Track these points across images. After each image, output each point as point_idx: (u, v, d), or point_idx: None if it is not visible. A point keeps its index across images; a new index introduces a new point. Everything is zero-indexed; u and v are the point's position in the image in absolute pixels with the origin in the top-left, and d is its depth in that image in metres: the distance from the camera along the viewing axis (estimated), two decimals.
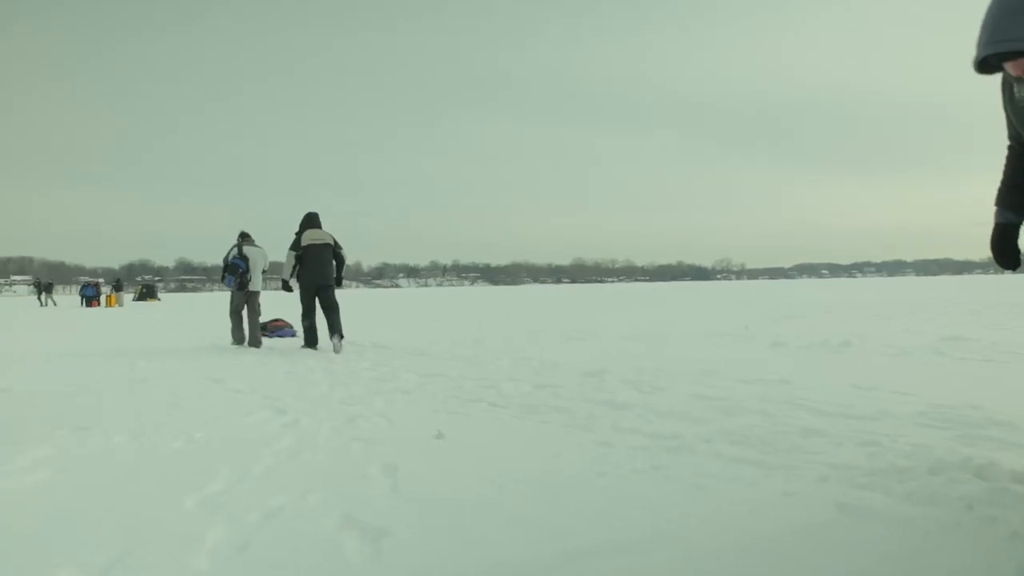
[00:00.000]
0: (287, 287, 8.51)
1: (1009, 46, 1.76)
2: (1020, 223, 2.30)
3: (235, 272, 8.85)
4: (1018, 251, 2.31)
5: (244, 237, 9.16)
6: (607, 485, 2.52)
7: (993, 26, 1.79)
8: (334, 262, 8.39)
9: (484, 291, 69.34)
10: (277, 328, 10.64)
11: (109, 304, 33.13)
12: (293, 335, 10.43)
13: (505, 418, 3.86)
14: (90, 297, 33.13)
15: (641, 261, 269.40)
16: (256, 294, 9.00)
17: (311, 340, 8.37)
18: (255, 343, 8.85)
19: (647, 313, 15.05)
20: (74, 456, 3.13)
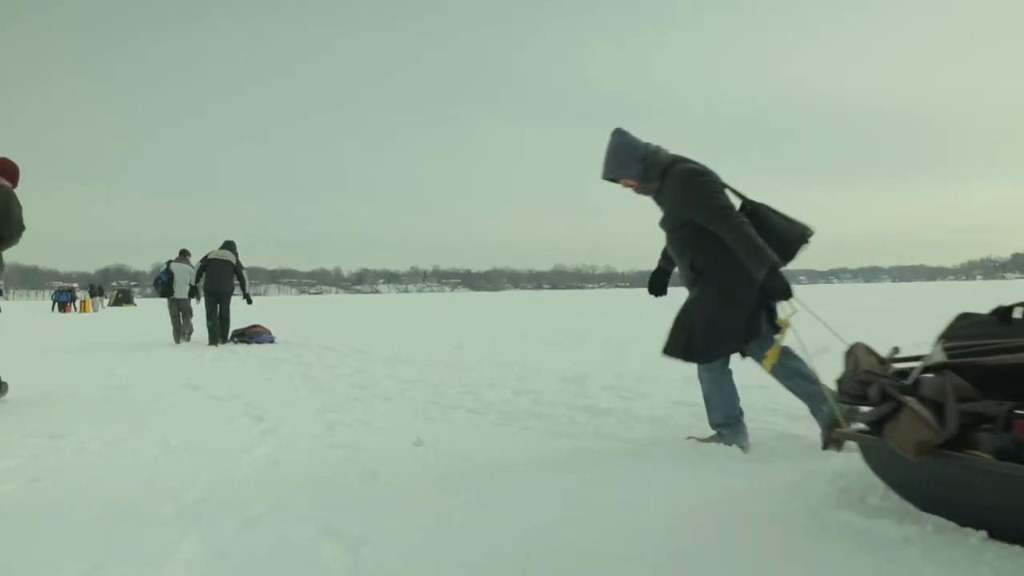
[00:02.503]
0: (194, 292, 10.93)
1: (607, 177, 3.34)
2: (670, 270, 3.60)
3: (157, 284, 11.25)
4: (664, 287, 3.68)
5: (182, 254, 11.55)
6: (587, 491, 2.52)
7: (604, 165, 3.31)
8: (233, 276, 10.48)
9: (465, 297, 69.27)
10: (255, 334, 10.62)
11: (83, 310, 32.67)
12: (272, 341, 10.41)
13: (485, 425, 3.85)
14: (63, 302, 32.67)
15: (621, 267, 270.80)
16: (185, 300, 11.16)
17: (213, 338, 10.20)
18: (185, 338, 11.09)
19: (628, 318, 15.10)
20: (47, 465, 3.08)
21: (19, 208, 4.75)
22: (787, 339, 3.01)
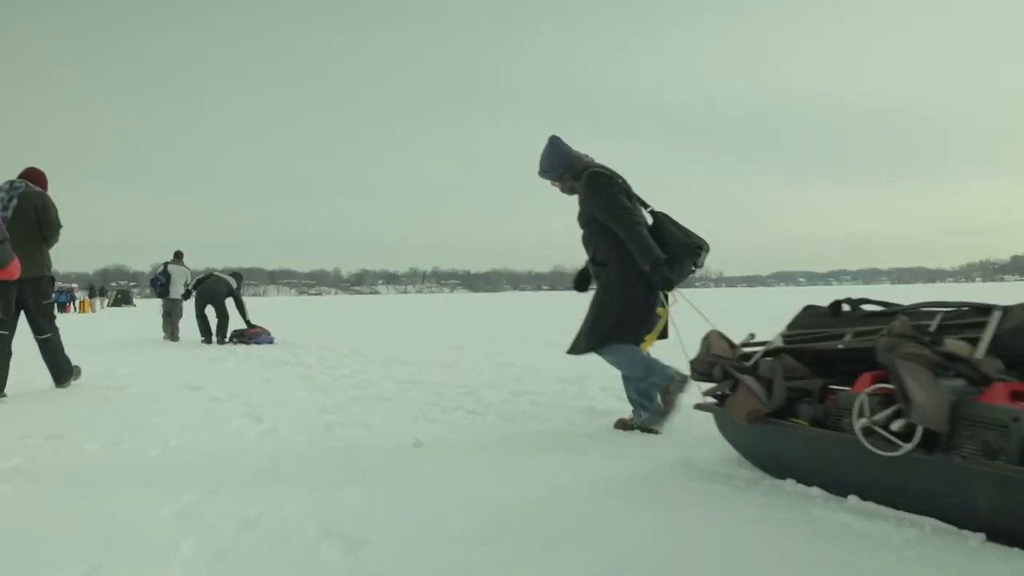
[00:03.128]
0: (187, 295, 11.56)
1: (539, 175, 3.85)
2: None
3: (155, 285, 11.85)
4: (588, 282, 3.94)
5: (177, 256, 12.06)
6: (584, 493, 2.52)
7: (539, 163, 3.83)
8: (227, 290, 10.91)
9: (464, 297, 69.25)
10: (255, 334, 10.62)
11: (82, 310, 32.63)
12: (271, 341, 10.42)
13: (484, 426, 3.85)
14: (63, 303, 32.65)
15: None
16: (178, 300, 11.77)
17: (204, 334, 10.83)
18: (174, 337, 11.55)
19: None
20: (44, 466, 3.08)
21: (55, 210, 5.38)
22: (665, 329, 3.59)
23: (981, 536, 1.95)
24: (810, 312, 2.95)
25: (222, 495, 2.57)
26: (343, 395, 5.08)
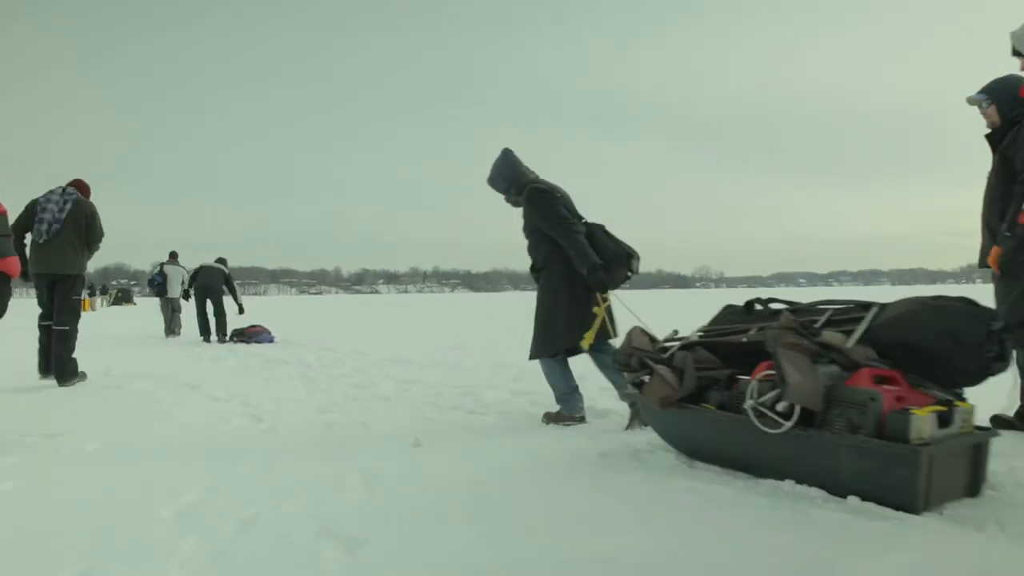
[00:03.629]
0: (185, 294, 11.84)
1: (489, 184, 4.13)
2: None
3: (153, 285, 12.47)
4: None
5: (171, 256, 12.66)
6: (583, 491, 2.52)
7: (490, 173, 4.10)
8: (222, 281, 11.22)
9: (465, 297, 69.23)
10: (254, 333, 10.69)
11: (83, 308, 32.64)
12: (271, 341, 10.44)
13: (483, 425, 3.85)
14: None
15: None
16: (176, 299, 12.35)
17: (204, 333, 11.02)
18: (175, 333, 12.29)
19: (628, 320, 15.09)
20: (44, 464, 3.08)
21: (100, 220, 5.95)
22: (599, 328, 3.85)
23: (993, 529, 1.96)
24: (728, 310, 3.31)
25: (221, 494, 2.57)
26: (343, 395, 5.08)
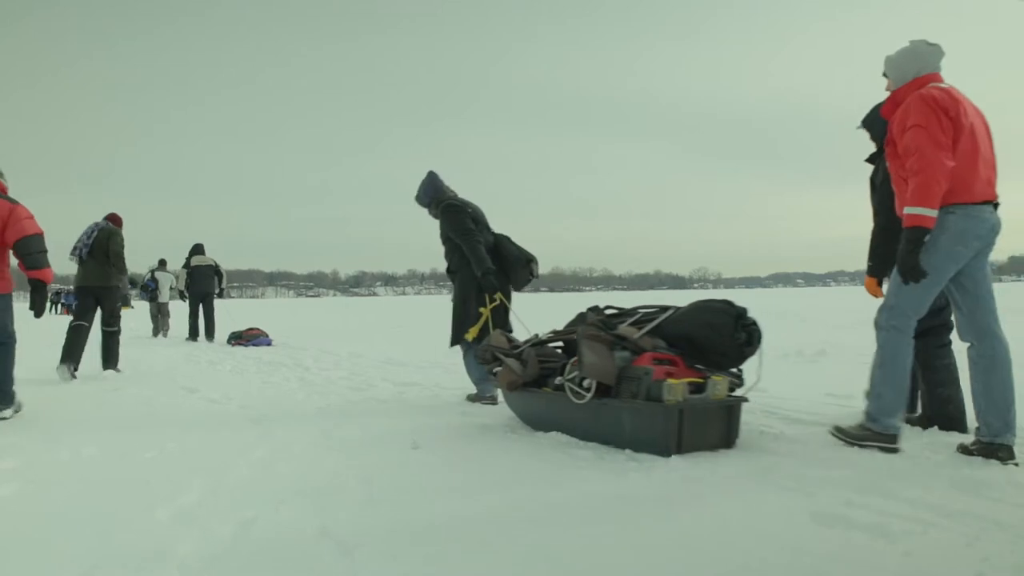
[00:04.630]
0: (182, 296, 12.17)
1: (416, 201, 4.91)
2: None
3: (146, 290, 13.55)
4: None
5: (161, 263, 13.79)
6: (581, 492, 2.52)
7: (417, 191, 4.89)
8: (215, 278, 11.90)
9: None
10: (253, 336, 10.71)
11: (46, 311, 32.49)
12: (269, 343, 10.45)
13: (482, 427, 3.85)
14: (69, 305, 32.50)
15: (619, 270, 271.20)
16: (165, 304, 13.56)
17: (193, 333, 11.68)
18: (164, 334, 13.18)
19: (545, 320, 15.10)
20: (42, 468, 3.07)
21: (118, 243, 7.09)
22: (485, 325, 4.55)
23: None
24: (579, 316, 3.96)
25: (219, 497, 2.57)
26: (340, 397, 5.08)
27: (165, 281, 13.43)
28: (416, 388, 5.45)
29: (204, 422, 4.14)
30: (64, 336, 6.68)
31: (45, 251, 4.58)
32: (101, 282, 6.97)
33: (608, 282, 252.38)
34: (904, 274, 2.95)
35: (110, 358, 7.05)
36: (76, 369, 6.55)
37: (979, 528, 2.07)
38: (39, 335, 6.99)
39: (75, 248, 7.07)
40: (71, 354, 6.59)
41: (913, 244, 2.91)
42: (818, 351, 7.23)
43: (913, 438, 3.23)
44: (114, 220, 7.46)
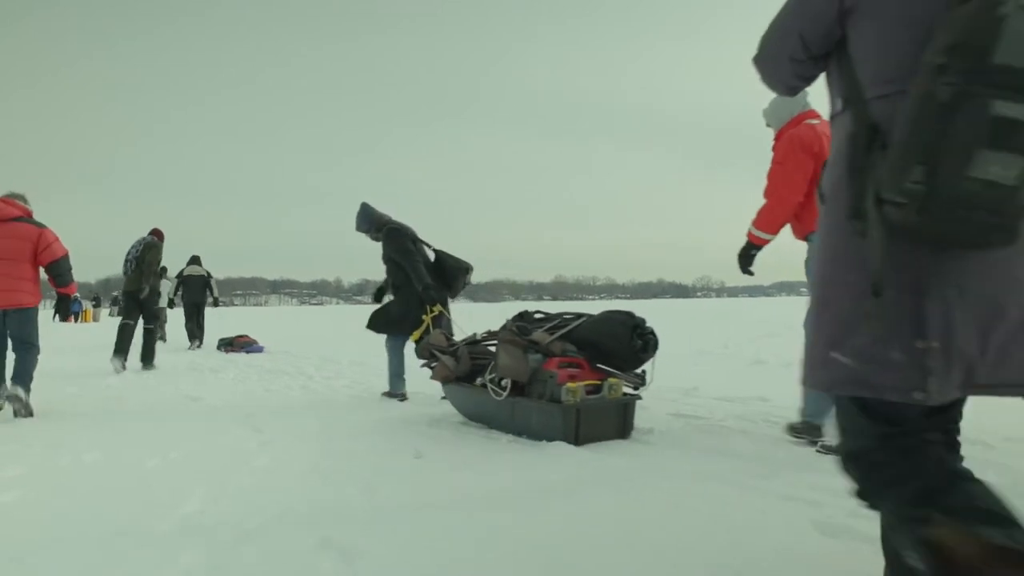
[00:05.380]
0: (172, 304, 13.09)
1: (356, 230, 5.72)
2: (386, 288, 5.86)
3: None
4: (383, 295, 5.84)
5: (161, 271, 15.16)
6: (583, 502, 2.51)
7: (355, 221, 5.66)
8: (206, 289, 12.47)
9: (465, 307, 69.02)
10: (244, 344, 11.00)
11: (84, 319, 32.61)
12: (261, 351, 10.69)
13: (483, 436, 3.84)
14: (76, 312, 32.59)
15: (622, 279, 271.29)
16: (163, 309, 13.40)
17: (192, 339, 12.20)
18: (162, 339, 13.31)
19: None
20: (46, 475, 3.07)
21: (153, 256, 8.47)
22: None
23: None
24: (516, 316, 4.38)
25: (221, 505, 2.57)
26: (342, 406, 5.08)
27: (164, 289, 14.03)
28: (418, 397, 5.45)
29: (207, 430, 4.13)
30: (115, 333, 8.24)
31: (71, 269, 5.25)
32: (138, 288, 8.31)
33: (611, 291, 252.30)
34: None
35: (147, 355, 8.39)
36: (125, 361, 8.08)
37: None
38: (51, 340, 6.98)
39: (126, 260, 8.43)
40: (122, 349, 8.11)
41: (746, 254, 3.80)
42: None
43: None
44: (157, 234, 8.80)
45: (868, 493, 1.41)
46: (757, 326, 14.51)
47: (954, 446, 1.41)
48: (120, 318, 8.56)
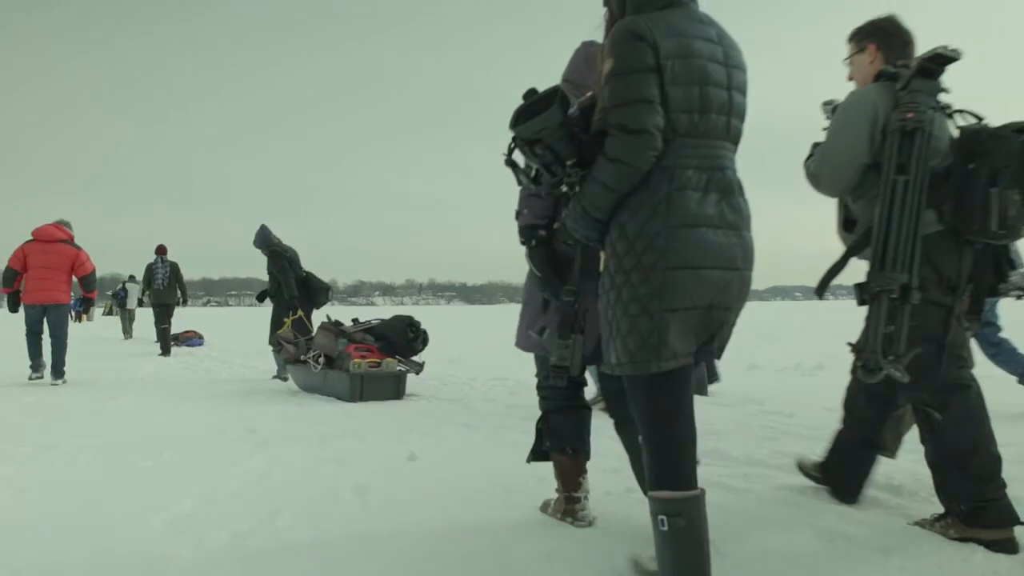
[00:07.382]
0: (140, 303, 15.02)
1: (254, 245, 7.43)
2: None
3: (116, 297, 17.96)
4: (264, 298, 7.67)
5: (131, 278, 17.28)
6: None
7: (254, 239, 7.41)
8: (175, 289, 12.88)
9: (460, 309, 69.07)
10: (187, 338, 12.35)
11: (77, 319, 32.48)
12: (201, 343, 12.45)
13: (478, 439, 3.84)
14: (78, 311, 32.41)
15: None
16: (132, 310, 16.87)
17: (163, 342, 12.58)
18: (130, 335, 16.12)
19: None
20: (37, 476, 3.06)
21: (179, 274, 10.74)
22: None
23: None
24: (352, 320, 6.19)
25: (215, 506, 2.56)
26: (337, 408, 5.07)
27: (134, 292, 16.68)
28: (412, 399, 5.44)
29: (200, 431, 4.12)
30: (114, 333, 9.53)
31: (96, 280, 7.26)
32: (170, 300, 10.57)
33: None
34: None
35: (164, 347, 10.47)
36: (168, 355, 10.23)
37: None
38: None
39: (158, 279, 10.40)
40: (166, 348, 10.45)
41: None
42: (816, 364, 7.23)
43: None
44: (161, 251, 10.53)
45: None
46: (750, 331, 14.54)
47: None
48: (155, 324, 10.69)
